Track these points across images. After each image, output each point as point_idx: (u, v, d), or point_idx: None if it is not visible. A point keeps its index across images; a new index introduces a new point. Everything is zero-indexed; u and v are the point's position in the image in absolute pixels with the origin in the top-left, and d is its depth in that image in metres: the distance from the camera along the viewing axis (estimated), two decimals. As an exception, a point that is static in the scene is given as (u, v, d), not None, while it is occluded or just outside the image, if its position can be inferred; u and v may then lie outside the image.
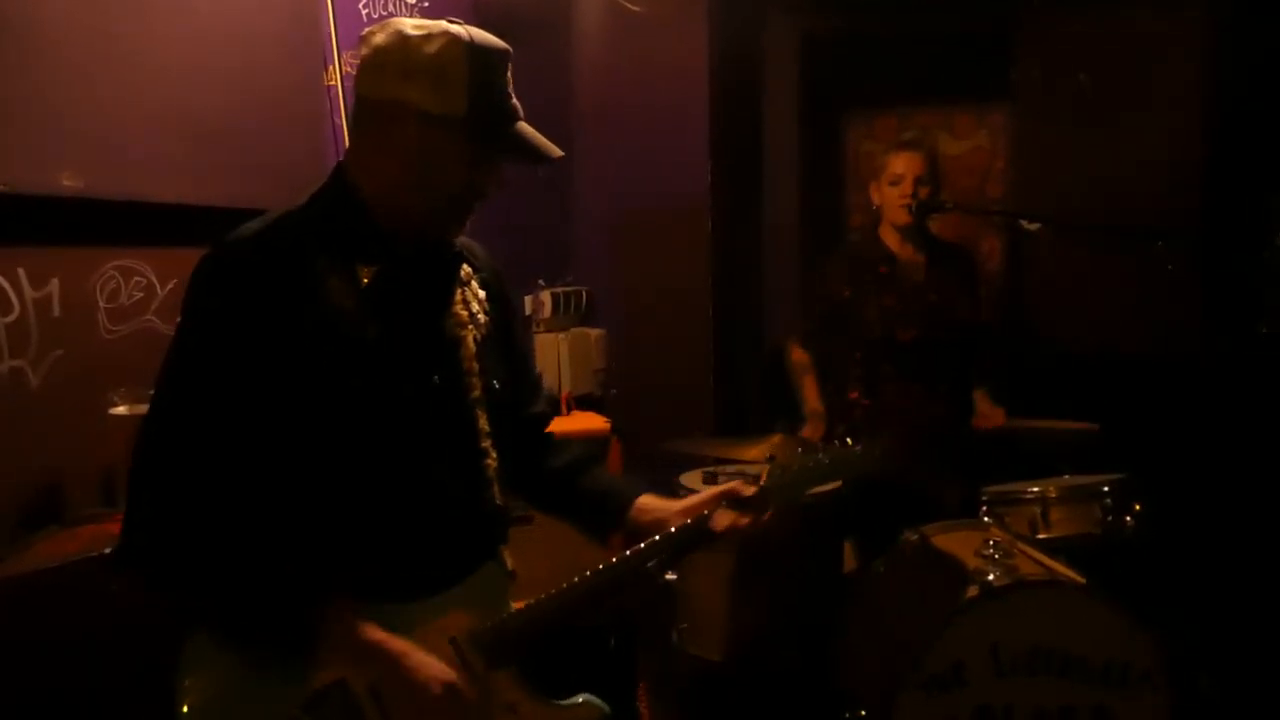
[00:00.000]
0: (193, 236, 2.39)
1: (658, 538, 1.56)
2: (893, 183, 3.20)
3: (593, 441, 3.48)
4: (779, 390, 3.57)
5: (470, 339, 1.53)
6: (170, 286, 2.34)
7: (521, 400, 1.69)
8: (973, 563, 2.33)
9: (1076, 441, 3.03)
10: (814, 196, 4.38)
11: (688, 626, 2.81)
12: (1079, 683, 2.22)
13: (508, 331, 1.66)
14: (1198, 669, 2.46)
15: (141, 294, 2.28)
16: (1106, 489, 2.65)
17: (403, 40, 1.38)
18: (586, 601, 1.53)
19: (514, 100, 1.45)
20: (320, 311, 1.38)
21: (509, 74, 1.45)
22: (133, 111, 2.16)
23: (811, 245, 4.24)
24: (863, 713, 2.36)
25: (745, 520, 1.60)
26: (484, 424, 1.53)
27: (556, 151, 1.47)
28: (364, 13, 2.98)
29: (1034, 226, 3.09)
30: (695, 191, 3.87)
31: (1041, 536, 2.62)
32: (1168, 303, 3.45)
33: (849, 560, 3.06)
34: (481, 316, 1.57)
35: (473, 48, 1.39)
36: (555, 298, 3.88)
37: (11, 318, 2.00)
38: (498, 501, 1.55)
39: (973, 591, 2.22)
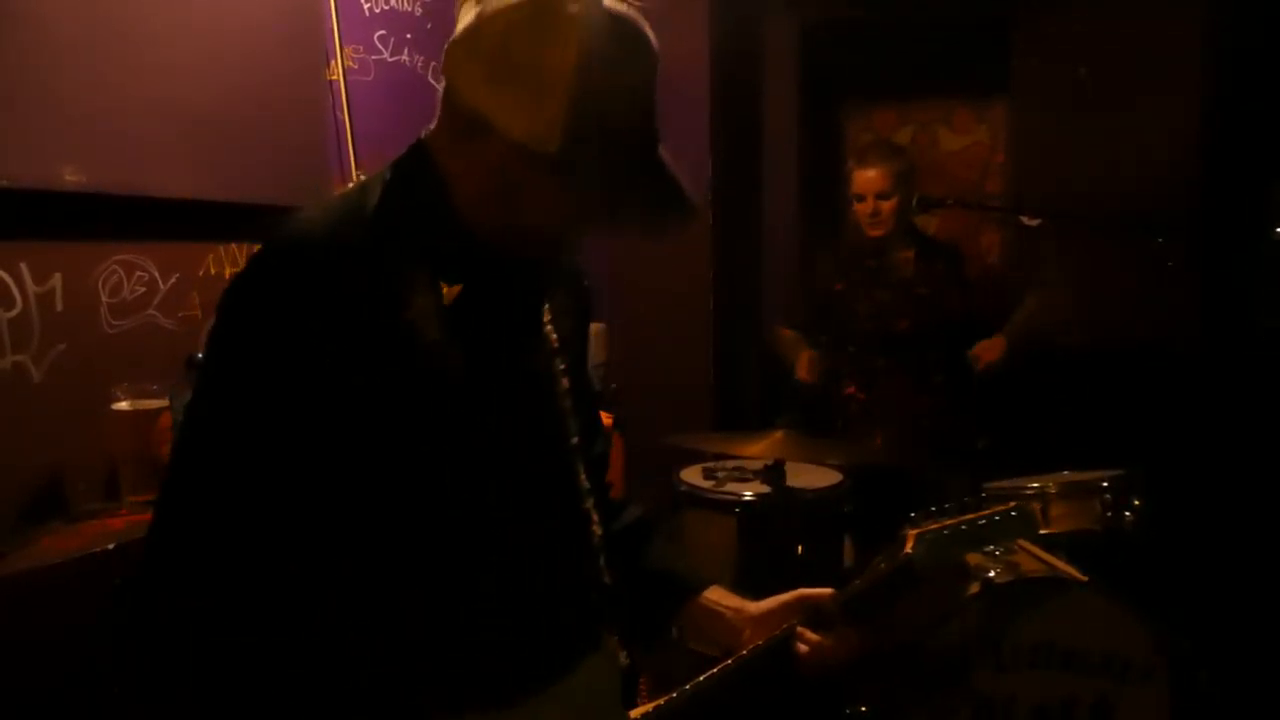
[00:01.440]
0: (195, 231, 2.41)
1: (732, 661, 1.29)
2: (856, 199, 3.21)
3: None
4: (779, 384, 3.58)
5: (563, 371, 1.22)
6: (172, 281, 2.34)
7: (586, 440, 1.30)
8: (974, 559, 2.34)
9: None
10: (814, 190, 4.39)
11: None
12: (1080, 676, 2.24)
13: (584, 348, 1.35)
14: (1197, 663, 2.47)
15: (144, 289, 2.27)
16: (1106, 485, 2.66)
17: (506, 20, 1.01)
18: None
19: (645, 126, 1.10)
20: (402, 344, 1.05)
21: (645, 87, 1.09)
22: (135, 106, 2.15)
23: (811, 238, 4.25)
24: (864, 707, 2.37)
25: (828, 643, 1.28)
26: (584, 480, 1.22)
27: (691, 201, 1.14)
28: (366, 7, 2.97)
29: (1034, 222, 3.10)
30: (696, 184, 3.84)
31: (1042, 532, 2.63)
32: (1167, 296, 3.46)
33: (849, 555, 3.07)
34: (570, 335, 1.26)
35: (588, 50, 1.00)
36: (555, 292, 3.88)
37: (14, 313, 1.99)
38: (605, 579, 1.23)
39: (975, 588, 2.23)
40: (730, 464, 3.07)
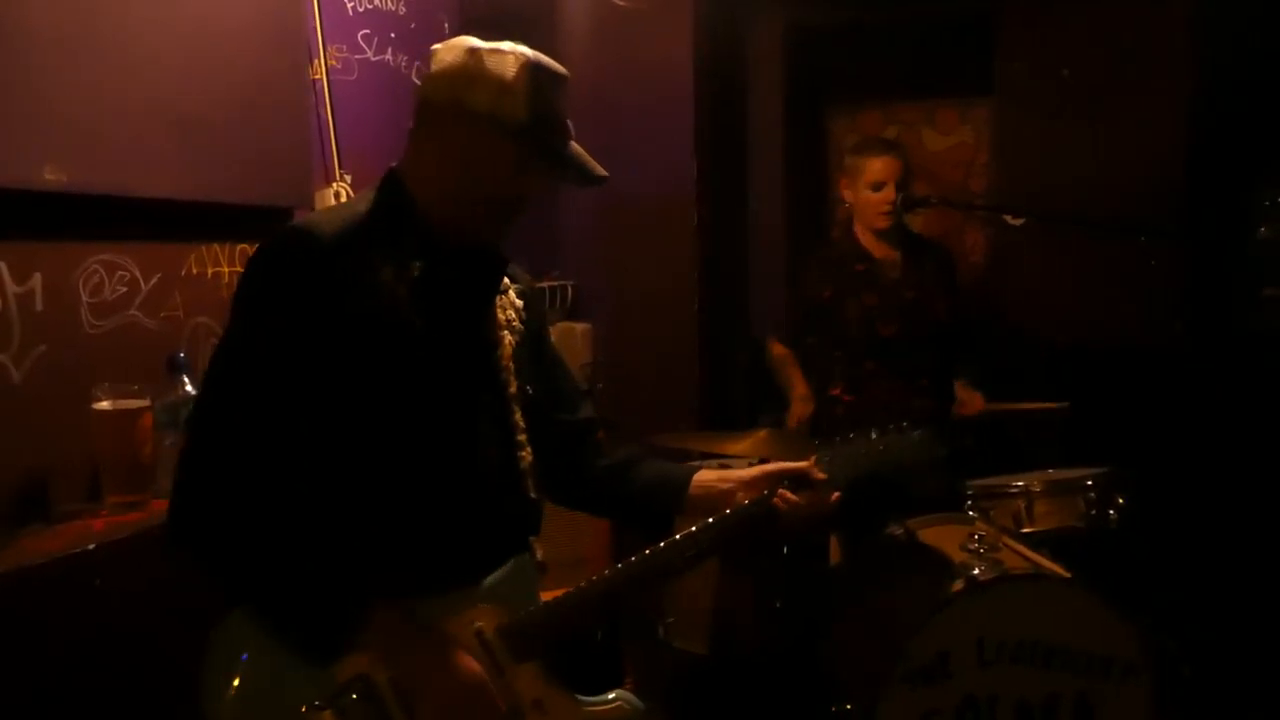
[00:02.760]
0: (177, 231, 2.40)
1: (711, 520, 1.58)
2: (875, 188, 3.20)
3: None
4: (764, 384, 3.58)
5: (507, 341, 1.61)
6: (154, 281, 2.32)
7: (565, 407, 1.73)
8: (958, 556, 2.35)
9: (1050, 421, 3.06)
10: (799, 190, 4.39)
11: (674, 620, 2.82)
12: (1062, 673, 2.25)
13: (541, 344, 1.73)
14: (1179, 659, 2.49)
15: (125, 289, 2.26)
16: (1090, 483, 2.68)
17: (472, 52, 1.48)
18: (628, 589, 1.56)
19: (568, 121, 1.54)
20: (375, 300, 1.42)
21: (564, 97, 1.53)
22: (116, 105, 2.13)
23: (796, 239, 4.26)
24: (848, 705, 2.37)
25: (807, 502, 1.62)
26: (519, 419, 1.59)
27: (602, 172, 1.58)
28: (349, 6, 2.96)
29: (1018, 221, 3.11)
30: (681, 185, 3.88)
31: (1026, 530, 2.64)
32: (1150, 296, 3.48)
33: (834, 553, 3.08)
34: (517, 324, 1.64)
35: (536, 65, 1.49)
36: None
37: (-6, 313, 1.98)
38: (531, 495, 1.59)
39: (958, 585, 2.23)
40: (714, 463, 3.07)
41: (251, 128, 2.46)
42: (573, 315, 4.05)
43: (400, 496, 1.45)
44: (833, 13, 4.23)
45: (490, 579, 1.52)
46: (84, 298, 2.17)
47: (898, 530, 2.64)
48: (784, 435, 2.74)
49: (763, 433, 2.69)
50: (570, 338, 3.92)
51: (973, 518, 2.65)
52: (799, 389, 3.32)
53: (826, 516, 1.64)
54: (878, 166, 3.20)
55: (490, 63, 1.47)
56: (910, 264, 3.28)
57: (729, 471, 1.70)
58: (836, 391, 3.29)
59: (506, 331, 1.61)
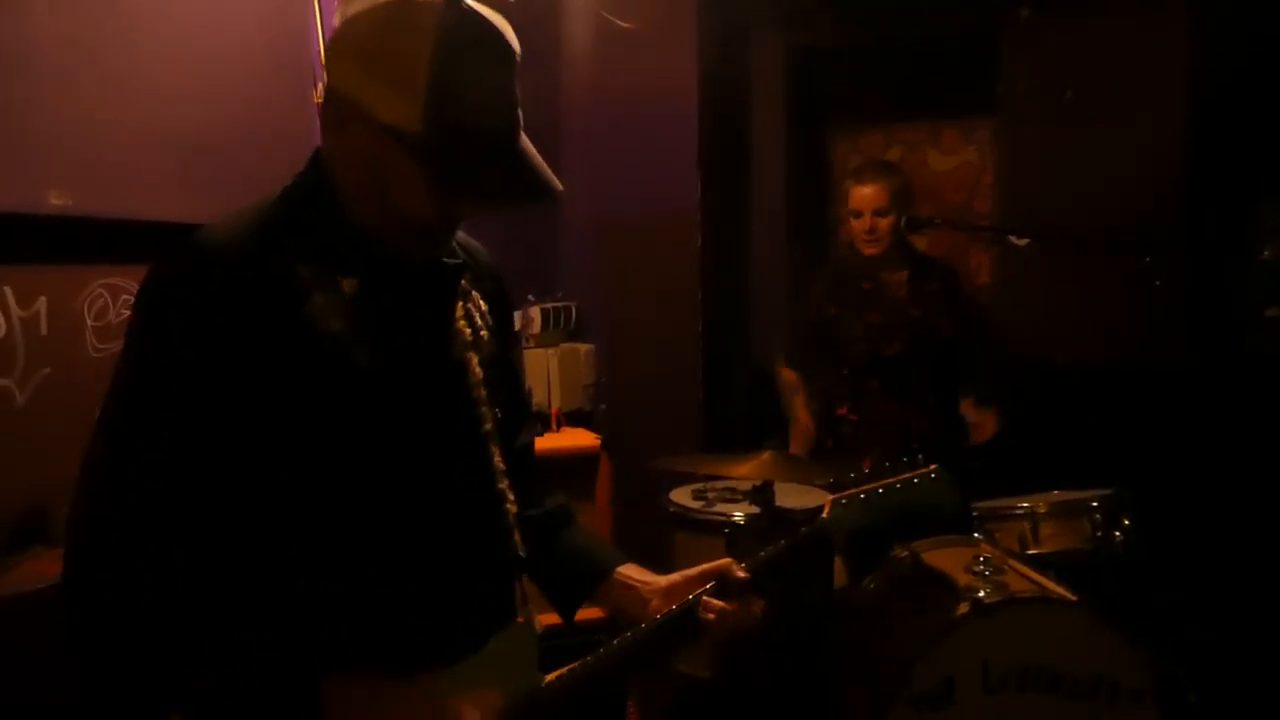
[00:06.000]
0: (181, 254, 2.40)
1: (643, 627, 1.33)
2: (854, 215, 3.22)
3: (583, 459, 3.47)
4: (768, 406, 3.58)
5: (476, 363, 1.28)
6: (158, 304, 2.33)
7: (511, 431, 1.39)
8: (963, 579, 2.33)
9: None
10: (801, 211, 4.40)
11: (678, 644, 2.79)
12: (1068, 699, 2.22)
13: (507, 346, 1.40)
14: (1187, 685, 2.47)
15: (129, 312, 2.26)
16: (1096, 504, 2.66)
17: (370, 16, 1.10)
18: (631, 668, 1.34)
19: (505, 117, 1.14)
20: (305, 334, 1.13)
21: (504, 80, 1.13)
22: (121, 129, 2.15)
23: (799, 259, 4.26)
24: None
25: (733, 610, 1.32)
26: (498, 461, 1.29)
27: (554, 185, 1.18)
28: (353, 30, 2.97)
29: (1023, 242, 3.11)
30: (685, 206, 3.88)
31: (1031, 552, 2.62)
32: (1154, 317, 3.46)
33: (839, 576, 3.05)
34: (484, 334, 1.32)
35: (447, 39, 1.07)
36: (545, 313, 3.88)
37: (-2, 336, 1.98)
38: (519, 552, 1.31)
39: (964, 609, 2.21)
40: (720, 485, 3.07)
41: (255, 151, 2.46)
42: (575, 336, 4.05)
43: (361, 563, 1.18)
44: (835, 34, 4.24)
45: (485, 652, 1.25)
46: (88, 321, 2.17)
47: (902, 553, 2.62)
48: (788, 458, 2.73)
49: (766, 455, 2.68)
50: (573, 358, 3.92)
51: (977, 539, 2.63)
52: (801, 420, 3.32)
53: (756, 627, 1.35)
54: (856, 195, 3.22)
55: (388, 36, 1.08)
56: (915, 282, 3.29)
57: (654, 576, 1.42)
58: (843, 411, 3.29)
59: (473, 350, 1.29)
